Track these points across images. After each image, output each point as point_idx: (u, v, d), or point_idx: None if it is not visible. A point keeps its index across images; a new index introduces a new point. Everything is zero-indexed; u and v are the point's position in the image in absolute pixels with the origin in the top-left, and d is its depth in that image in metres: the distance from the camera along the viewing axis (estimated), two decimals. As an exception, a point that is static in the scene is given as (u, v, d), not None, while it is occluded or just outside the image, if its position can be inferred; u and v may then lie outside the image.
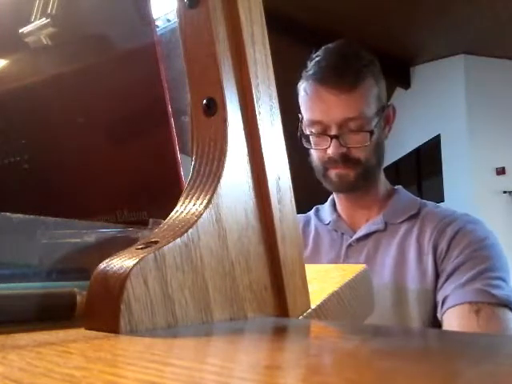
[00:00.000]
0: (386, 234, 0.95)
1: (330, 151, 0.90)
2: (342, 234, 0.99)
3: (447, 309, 0.81)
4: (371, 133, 0.89)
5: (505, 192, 5.70)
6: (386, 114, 0.95)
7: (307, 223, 1.06)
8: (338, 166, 0.91)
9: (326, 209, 1.06)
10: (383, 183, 1.00)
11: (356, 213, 1.00)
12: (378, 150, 0.94)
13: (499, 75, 5.80)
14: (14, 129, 0.55)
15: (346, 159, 0.91)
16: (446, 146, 6.18)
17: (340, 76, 0.88)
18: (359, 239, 0.96)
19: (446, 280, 0.85)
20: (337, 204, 1.04)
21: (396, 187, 1.03)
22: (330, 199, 1.06)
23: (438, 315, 0.84)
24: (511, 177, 5.72)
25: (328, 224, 1.02)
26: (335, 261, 0.96)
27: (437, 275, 0.87)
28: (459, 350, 0.20)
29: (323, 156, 0.92)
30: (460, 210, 0.98)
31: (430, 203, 1.00)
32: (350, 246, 0.97)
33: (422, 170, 6.79)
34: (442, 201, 5.96)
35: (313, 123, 0.92)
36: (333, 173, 0.93)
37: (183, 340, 0.24)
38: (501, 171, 5.71)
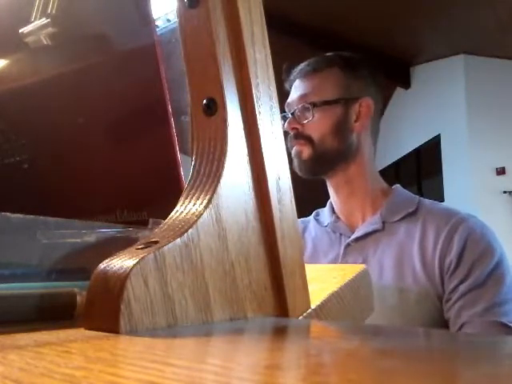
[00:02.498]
0: (385, 234, 0.95)
1: (285, 127, 0.98)
2: (340, 234, 1.00)
3: None
4: (314, 105, 0.96)
5: (505, 192, 5.70)
6: (356, 109, 0.98)
7: (306, 228, 1.08)
8: (293, 142, 0.98)
9: (325, 212, 1.08)
10: (373, 179, 1.01)
11: (352, 212, 1.01)
12: (340, 135, 0.96)
13: (499, 75, 5.79)
14: (14, 129, 0.55)
15: (298, 135, 0.97)
16: (446, 146, 6.18)
17: (307, 66, 1.01)
18: (357, 239, 0.96)
19: (459, 298, 0.84)
20: (334, 205, 1.05)
21: (394, 186, 1.04)
22: (328, 202, 1.07)
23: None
24: (511, 177, 5.72)
25: (326, 226, 1.04)
26: (334, 261, 0.96)
27: (442, 281, 0.87)
28: (459, 350, 0.20)
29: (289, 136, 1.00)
30: (460, 209, 0.96)
31: (428, 200, 1.00)
32: (348, 245, 0.97)
33: (422, 170, 6.78)
34: (442, 201, 5.95)
35: (287, 107, 1.02)
36: (292, 152, 0.99)
37: (183, 340, 0.24)
38: (501, 171, 5.71)
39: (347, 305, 0.40)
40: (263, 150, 0.33)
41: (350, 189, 1.00)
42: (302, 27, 5.61)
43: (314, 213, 1.11)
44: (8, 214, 0.36)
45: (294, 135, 0.97)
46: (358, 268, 0.45)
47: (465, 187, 5.76)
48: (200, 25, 0.32)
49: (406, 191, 1.03)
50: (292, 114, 0.98)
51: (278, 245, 0.33)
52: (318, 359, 0.18)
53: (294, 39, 5.42)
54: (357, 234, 0.97)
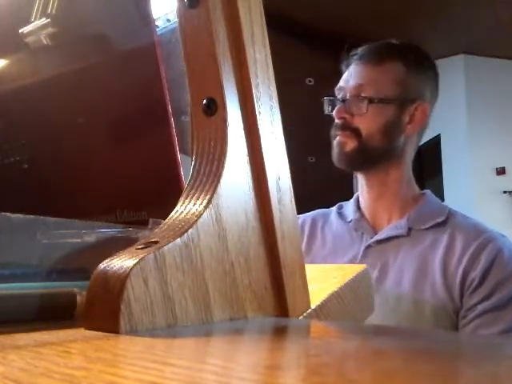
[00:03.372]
0: (409, 241, 0.91)
1: (334, 114, 0.94)
2: (362, 233, 0.97)
3: None
4: (370, 100, 0.92)
5: (505, 192, 5.69)
6: (411, 111, 0.94)
7: (326, 221, 1.04)
8: (339, 132, 0.94)
9: (349, 206, 1.04)
10: (407, 183, 0.98)
11: (379, 212, 0.98)
12: (389, 135, 0.93)
13: (499, 75, 5.79)
14: (14, 129, 0.55)
15: (345, 126, 0.94)
16: (446, 146, 6.18)
17: (369, 52, 0.96)
18: (379, 241, 0.93)
19: (477, 317, 0.82)
20: (361, 200, 1.01)
21: (424, 191, 1.01)
22: (355, 196, 1.04)
23: None
24: (511, 177, 5.72)
25: (350, 222, 1.00)
26: (352, 261, 0.93)
27: (461, 296, 0.84)
28: (459, 350, 0.20)
29: (334, 123, 0.96)
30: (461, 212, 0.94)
31: (459, 213, 0.96)
32: (369, 246, 0.94)
33: (422, 169, 6.78)
34: (442, 201, 5.93)
35: (337, 90, 0.97)
36: (335, 141, 0.95)
37: (183, 340, 0.24)
38: (501, 171, 5.70)
39: (347, 305, 0.40)
40: (263, 150, 0.33)
41: (383, 189, 0.97)
42: (302, 27, 5.60)
43: (336, 206, 1.07)
44: (8, 214, 0.36)
45: (341, 125, 0.93)
46: (358, 268, 0.45)
47: (465, 187, 5.76)
48: (200, 25, 0.32)
49: (437, 199, 1.00)
50: (343, 101, 0.94)
51: (277, 245, 0.33)
52: (318, 359, 0.18)
53: (294, 39, 5.41)
54: (380, 235, 0.94)
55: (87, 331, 0.26)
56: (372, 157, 0.94)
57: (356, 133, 0.92)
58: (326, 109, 0.97)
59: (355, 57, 0.97)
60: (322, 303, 0.36)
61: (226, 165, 0.31)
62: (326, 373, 0.16)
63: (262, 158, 0.33)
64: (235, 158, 0.32)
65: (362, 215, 1.00)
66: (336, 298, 0.38)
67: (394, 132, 0.94)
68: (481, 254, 0.84)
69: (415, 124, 0.95)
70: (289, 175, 0.35)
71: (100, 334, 0.25)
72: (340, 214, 1.04)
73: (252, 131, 0.33)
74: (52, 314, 0.32)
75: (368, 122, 0.92)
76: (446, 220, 0.92)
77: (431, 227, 0.91)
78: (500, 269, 0.83)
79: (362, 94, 0.92)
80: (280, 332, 0.29)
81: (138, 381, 0.15)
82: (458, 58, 6.05)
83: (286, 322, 0.32)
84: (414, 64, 0.95)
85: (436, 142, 6.39)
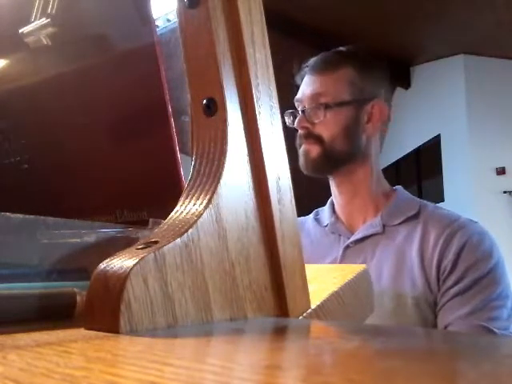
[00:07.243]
0: (384, 237, 0.95)
1: (295, 125, 0.98)
2: (340, 235, 1.00)
3: None
4: (326, 106, 0.95)
5: (505, 192, 5.70)
6: (368, 110, 0.97)
7: (303, 228, 1.07)
8: (303, 141, 0.98)
9: (325, 211, 1.07)
10: (377, 181, 1.01)
11: (353, 214, 1.01)
12: (350, 136, 0.96)
13: (499, 75, 5.79)
14: (14, 129, 0.55)
15: (308, 135, 0.97)
16: (446, 146, 6.18)
17: (321, 61, 1.00)
18: (357, 241, 0.96)
19: (448, 301, 0.85)
20: (335, 204, 1.04)
21: (395, 188, 1.03)
22: (329, 201, 1.07)
23: None
24: (511, 177, 5.72)
25: (326, 226, 1.04)
26: (332, 263, 0.96)
27: (438, 284, 0.87)
28: (459, 350, 0.20)
29: (298, 134, 1.00)
30: (461, 212, 0.96)
31: (430, 204, 0.99)
32: (347, 247, 0.97)
33: (422, 169, 6.78)
34: (442, 201, 5.95)
35: (296, 102, 1.01)
36: (300, 150, 0.98)
37: (183, 340, 0.24)
38: (501, 171, 5.71)
39: (347, 305, 0.40)
40: (263, 150, 0.33)
41: (354, 190, 0.99)
42: (303, 27, 5.61)
43: (313, 212, 1.10)
44: (8, 213, 0.36)
45: (304, 134, 0.97)
46: (358, 268, 0.45)
47: (465, 187, 5.76)
48: (200, 25, 0.32)
49: (408, 193, 1.03)
50: (303, 112, 0.97)
51: (278, 245, 0.33)
52: (318, 359, 0.18)
53: (295, 40, 5.41)
54: (356, 236, 0.97)
55: (87, 331, 0.26)
56: (337, 160, 0.97)
57: (319, 140, 0.96)
58: (288, 121, 1.01)
59: (308, 68, 1.00)
60: (321, 303, 0.36)
61: (225, 165, 0.31)
62: (326, 373, 0.16)
63: (262, 158, 0.33)
64: (235, 158, 0.32)
65: (338, 218, 1.03)
66: (336, 297, 0.38)
67: (354, 133, 0.97)
68: (452, 242, 0.87)
69: (374, 122, 0.98)
70: (289, 175, 0.35)
71: (100, 333, 0.25)
72: (317, 220, 1.08)
73: (252, 131, 0.33)
74: (52, 314, 0.32)
75: (328, 127, 0.96)
76: (418, 213, 0.95)
77: (404, 221, 0.95)
78: (469, 254, 0.86)
79: (319, 102, 0.96)
80: (280, 332, 0.29)
81: (137, 381, 0.15)
82: (457, 57, 6.05)
83: (285, 322, 0.32)
84: (363, 66, 0.99)
85: (436, 142, 6.39)
